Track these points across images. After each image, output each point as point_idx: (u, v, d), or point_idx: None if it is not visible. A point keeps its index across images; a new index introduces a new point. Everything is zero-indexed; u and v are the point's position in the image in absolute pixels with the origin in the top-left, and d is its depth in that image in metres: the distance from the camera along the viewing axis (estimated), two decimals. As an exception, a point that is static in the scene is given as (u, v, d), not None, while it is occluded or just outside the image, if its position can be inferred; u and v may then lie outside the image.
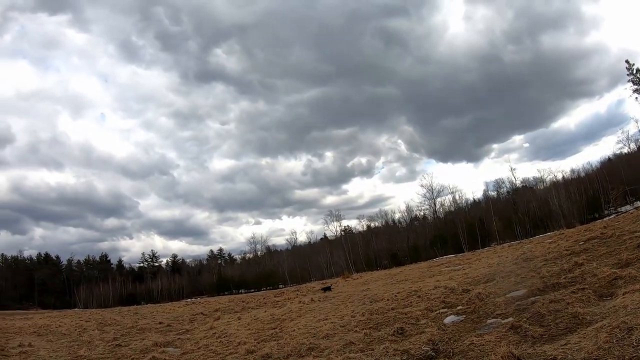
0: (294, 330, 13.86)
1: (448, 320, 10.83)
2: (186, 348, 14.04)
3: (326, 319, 15.20)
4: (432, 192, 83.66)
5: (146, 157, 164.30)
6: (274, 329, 15.47)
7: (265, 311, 22.10)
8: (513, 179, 79.85)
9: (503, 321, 9.25)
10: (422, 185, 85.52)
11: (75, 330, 23.84)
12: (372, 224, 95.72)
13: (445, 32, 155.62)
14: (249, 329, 16.08)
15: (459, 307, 12.00)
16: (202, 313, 27.56)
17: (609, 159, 76.86)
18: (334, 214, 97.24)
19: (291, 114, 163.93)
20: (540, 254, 18.51)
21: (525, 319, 8.67)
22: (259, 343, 12.82)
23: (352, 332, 11.90)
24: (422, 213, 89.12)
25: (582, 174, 76.48)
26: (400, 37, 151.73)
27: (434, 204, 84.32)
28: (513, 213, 71.09)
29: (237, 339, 14.14)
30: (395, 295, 17.84)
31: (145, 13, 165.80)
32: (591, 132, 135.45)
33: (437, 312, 12.15)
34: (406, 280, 26.52)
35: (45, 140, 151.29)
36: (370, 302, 17.89)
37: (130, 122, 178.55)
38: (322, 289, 34.73)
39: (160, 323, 24.08)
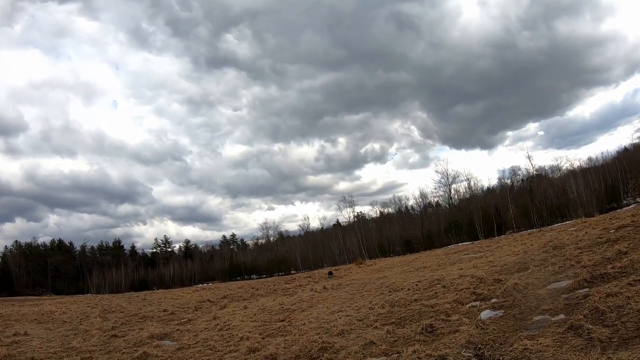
0: (304, 324, 12.21)
1: (485, 315, 9.28)
2: (183, 342, 12.44)
3: (341, 311, 13.57)
4: (448, 178, 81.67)
5: (159, 144, 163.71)
6: (282, 321, 13.86)
7: (274, 300, 20.43)
8: (530, 166, 77.70)
9: (554, 318, 7.80)
10: (437, 171, 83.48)
11: (78, 317, 22.94)
12: (385, 210, 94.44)
13: (459, 17, 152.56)
14: (255, 321, 14.44)
15: (493, 300, 10.48)
16: (209, 300, 26.04)
17: (626, 148, 75.32)
18: (347, 200, 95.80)
19: (303, 99, 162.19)
20: (570, 242, 16.97)
21: (583, 317, 7.15)
22: (263, 339, 11.21)
23: (372, 328, 10.33)
24: (436, 199, 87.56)
25: (600, 163, 74.18)
26: (413, 22, 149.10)
27: (449, 190, 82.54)
28: (529, 201, 69.18)
29: (240, 332, 12.52)
30: (416, 285, 16.18)
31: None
32: (606, 121, 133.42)
33: (469, 305, 10.63)
34: (424, 268, 24.79)
35: (58, 128, 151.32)
36: (389, 291, 16.21)
37: (142, 109, 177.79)
38: (329, 274, 35.53)
39: (164, 311, 22.76)
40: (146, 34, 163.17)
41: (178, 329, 14.78)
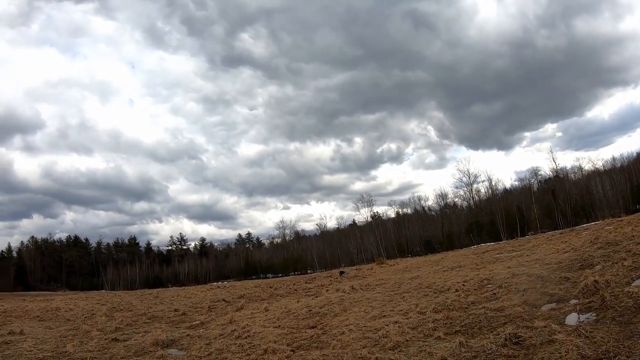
0: (342, 333, 9.73)
1: (572, 320, 7.59)
2: (192, 352, 10.06)
3: (384, 316, 11.15)
4: (470, 178, 78.93)
5: (175, 142, 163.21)
6: (313, 327, 11.40)
7: (298, 301, 17.87)
8: (554, 164, 74.81)
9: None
10: (458, 170, 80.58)
11: (83, 315, 20.99)
12: (403, 210, 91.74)
13: (476, 15, 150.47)
14: (279, 327, 11.96)
15: (573, 301, 8.68)
16: (224, 300, 23.62)
17: (636, 154, 72.85)
18: (365, 199, 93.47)
19: (319, 98, 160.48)
20: (623, 238, 14.96)
21: None
22: (293, 352, 8.76)
23: (434, 338, 8.13)
24: (456, 199, 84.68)
25: (625, 163, 71.66)
26: (429, 20, 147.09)
27: (471, 190, 79.82)
28: (553, 201, 66.79)
29: (262, 342, 10.05)
30: (463, 285, 13.91)
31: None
32: (625, 123, 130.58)
33: (546, 307, 8.82)
34: (459, 267, 22.39)
35: (75, 126, 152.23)
36: (434, 293, 13.89)
37: (158, 108, 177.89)
38: (340, 273, 35.20)
39: (175, 311, 20.51)
40: (162, 33, 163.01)
41: (188, 335, 12.35)
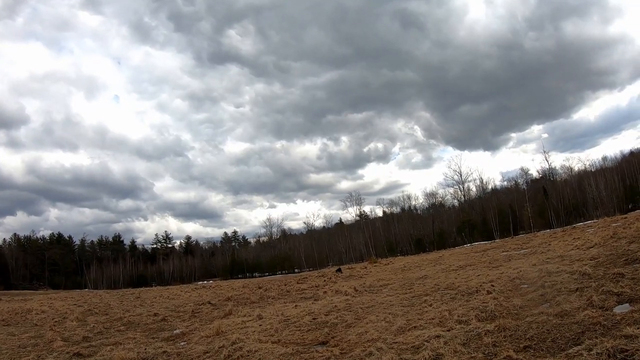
0: (370, 354, 7.23)
1: None
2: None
3: (414, 327, 8.79)
4: (461, 176, 77.06)
5: (161, 139, 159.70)
6: (324, 343, 8.88)
7: (295, 306, 15.16)
8: (546, 164, 73.08)
9: None
10: (450, 167, 78.70)
11: (53, 319, 18.82)
12: (392, 209, 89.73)
13: (465, 15, 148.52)
14: (280, 342, 9.33)
15: None
16: (209, 302, 20.87)
17: (632, 152, 72.57)
18: (354, 197, 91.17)
19: (307, 97, 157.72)
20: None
21: None
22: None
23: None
24: (447, 198, 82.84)
25: (618, 162, 71.28)
26: (418, 20, 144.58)
27: (462, 188, 77.90)
28: (545, 200, 65.35)
29: (262, 365, 7.54)
30: (492, 286, 11.90)
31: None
32: (611, 125, 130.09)
33: (619, 309, 7.28)
34: (469, 266, 20.48)
35: (60, 121, 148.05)
36: (462, 295, 11.76)
37: (144, 104, 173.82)
38: (337, 270, 34.87)
39: (155, 315, 17.84)
40: (148, 28, 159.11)
41: (164, 351, 9.69)
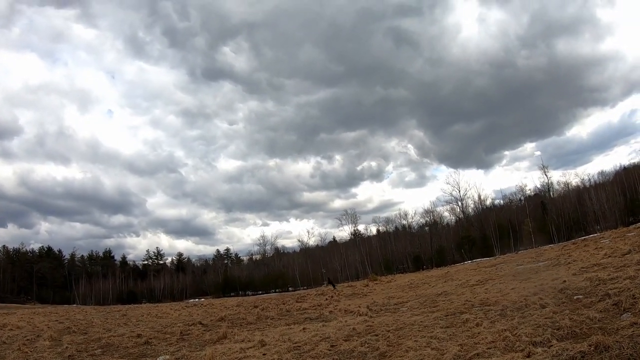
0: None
1: None
2: None
3: (478, 354, 6.85)
4: (460, 191, 75.23)
5: (154, 155, 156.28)
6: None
7: (303, 328, 12.61)
8: (545, 178, 71.85)
9: None
10: (448, 183, 76.99)
11: (25, 337, 16.88)
12: (388, 227, 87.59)
13: (458, 34, 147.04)
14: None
15: None
16: (200, 323, 18.24)
17: (625, 167, 71.77)
18: (349, 214, 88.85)
19: (300, 114, 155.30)
20: None
21: None
22: None
23: None
24: (444, 215, 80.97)
25: (619, 176, 69.52)
26: (412, 38, 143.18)
27: (461, 204, 75.84)
28: (544, 215, 64.37)
29: None
30: (541, 299, 10.33)
31: (153, 7, 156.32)
32: (603, 142, 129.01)
33: None
34: (489, 280, 18.70)
35: (52, 133, 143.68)
36: (511, 311, 9.90)
37: (138, 119, 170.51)
38: (330, 283, 34.69)
39: (138, 337, 15.36)
40: (143, 43, 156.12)
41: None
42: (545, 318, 8.20)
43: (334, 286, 31.52)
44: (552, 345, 6.33)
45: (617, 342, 5.84)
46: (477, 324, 8.96)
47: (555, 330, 7.21)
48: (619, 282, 9.83)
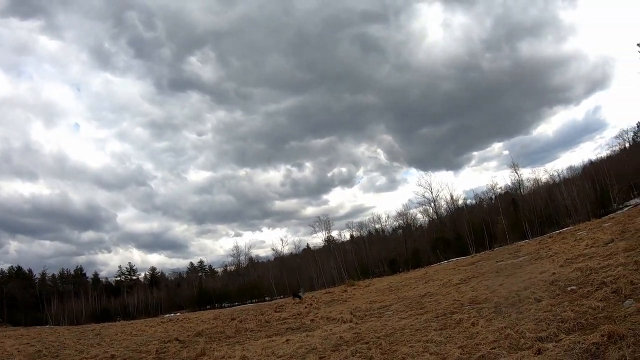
0: None
1: None
2: None
3: (483, 356, 6.72)
4: (432, 192, 75.27)
5: (122, 168, 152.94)
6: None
7: (286, 340, 11.88)
8: (516, 175, 71.72)
9: None
10: (420, 185, 76.85)
11: None
12: (362, 232, 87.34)
13: (424, 39, 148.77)
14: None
15: None
16: (177, 339, 17.38)
17: (592, 162, 74.70)
18: (323, 221, 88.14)
19: (269, 123, 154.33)
20: None
21: None
22: None
23: None
24: (417, 217, 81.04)
25: (585, 170, 71.47)
26: (378, 44, 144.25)
27: (434, 205, 76.06)
28: (516, 212, 65.17)
29: None
30: (533, 292, 10.31)
31: (119, 18, 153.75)
32: (568, 139, 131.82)
33: None
34: (473, 278, 18.36)
35: (18, 149, 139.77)
36: (505, 308, 9.83)
37: (104, 132, 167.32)
38: (296, 296, 33.31)
39: (111, 358, 14.60)
40: (109, 54, 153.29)
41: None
42: (545, 312, 8.01)
43: (300, 298, 30.77)
44: (561, 340, 6.17)
45: (630, 329, 5.74)
46: (472, 324, 8.68)
47: (560, 324, 7.06)
48: (611, 270, 9.81)
